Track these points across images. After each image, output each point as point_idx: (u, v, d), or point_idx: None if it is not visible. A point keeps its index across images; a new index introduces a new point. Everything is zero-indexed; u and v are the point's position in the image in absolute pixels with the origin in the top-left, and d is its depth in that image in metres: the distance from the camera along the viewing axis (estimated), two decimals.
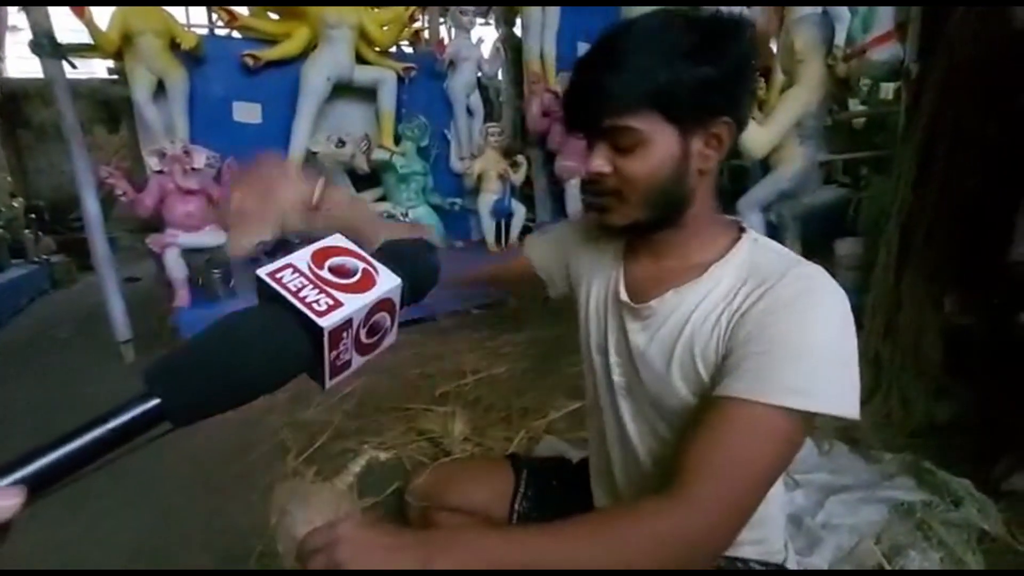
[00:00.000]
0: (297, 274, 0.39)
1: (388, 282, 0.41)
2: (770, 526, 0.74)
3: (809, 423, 0.56)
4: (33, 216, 5.68)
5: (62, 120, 2.62)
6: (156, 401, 0.32)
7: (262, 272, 0.38)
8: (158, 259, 2.87)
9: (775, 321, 0.58)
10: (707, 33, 0.60)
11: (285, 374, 0.37)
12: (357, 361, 0.41)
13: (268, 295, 0.38)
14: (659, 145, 0.62)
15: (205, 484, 1.64)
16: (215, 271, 2.87)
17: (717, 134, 0.63)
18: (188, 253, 2.81)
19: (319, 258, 0.40)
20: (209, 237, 2.86)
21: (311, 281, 0.38)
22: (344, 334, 0.38)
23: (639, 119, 0.61)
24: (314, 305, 0.36)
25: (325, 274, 0.39)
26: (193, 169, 2.78)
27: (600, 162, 0.65)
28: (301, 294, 0.37)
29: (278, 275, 0.38)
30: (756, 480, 0.55)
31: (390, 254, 0.44)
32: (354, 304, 0.38)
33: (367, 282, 0.40)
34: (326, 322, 0.36)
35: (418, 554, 0.46)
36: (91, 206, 2.69)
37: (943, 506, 1.39)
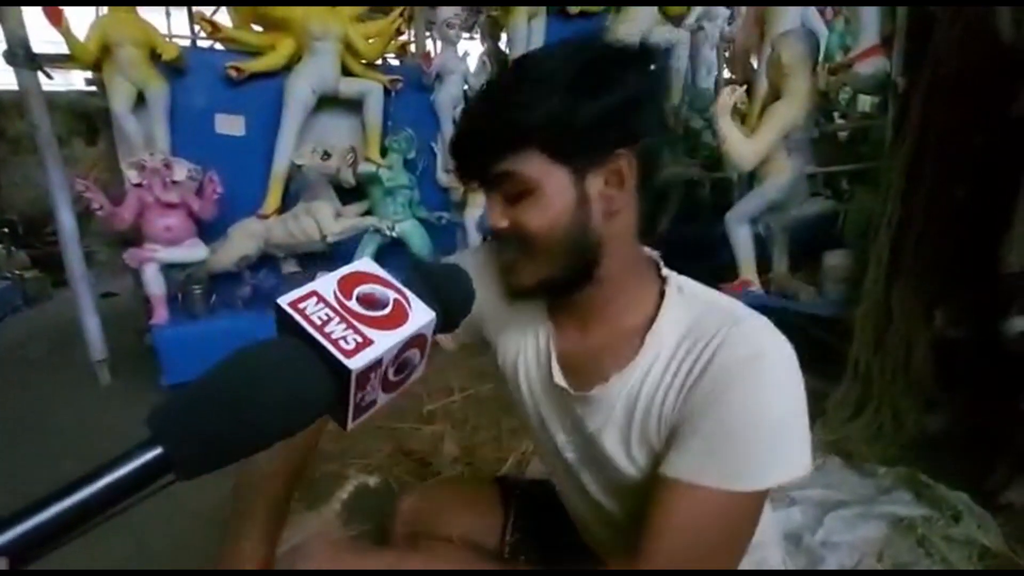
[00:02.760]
0: (322, 304, 0.35)
1: (422, 317, 0.37)
2: (766, 547, 0.72)
3: (763, 493, 0.55)
4: (6, 231, 5.55)
5: (37, 132, 2.56)
6: (159, 451, 0.28)
7: (283, 301, 0.34)
8: (136, 274, 2.78)
9: (721, 393, 0.54)
10: (591, 64, 0.55)
11: (305, 418, 0.33)
12: (382, 399, 0.37)
13: (287, 326, 0.34)
14: (550, 190, 0.56)
15: (181, 512, 1.56)
16: (195, 287, 2.79)
17: (616, 169, 0.56)
18: (167, 268, 2.74)
19: (346, 285, 0.36)
20: (189, 252, 2.78)
21: (338, 313, 0.34)
22: (372, 374, 0.34)
23: (523, 162, 0.55)
24: (341, 343, 0.33)
25: (353, 305, 0.35)
26: (173, 182, 2.71)
27: (495, 215, 0.59)
28: (327, 329, 0.33)
29: (301, 305, 0.34)
30: (715, 558, 0.54)
31: (422, 280, 0.40)
32: (385, 343, 0.34)
33: (399, 316, 0.36)
34: (355, 364, 0.32)
35: (386, 555, 0.45)
36: (66, 220, 2.62)
37: (943, 521, 1.38)
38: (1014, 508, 1.42)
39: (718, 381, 0.54)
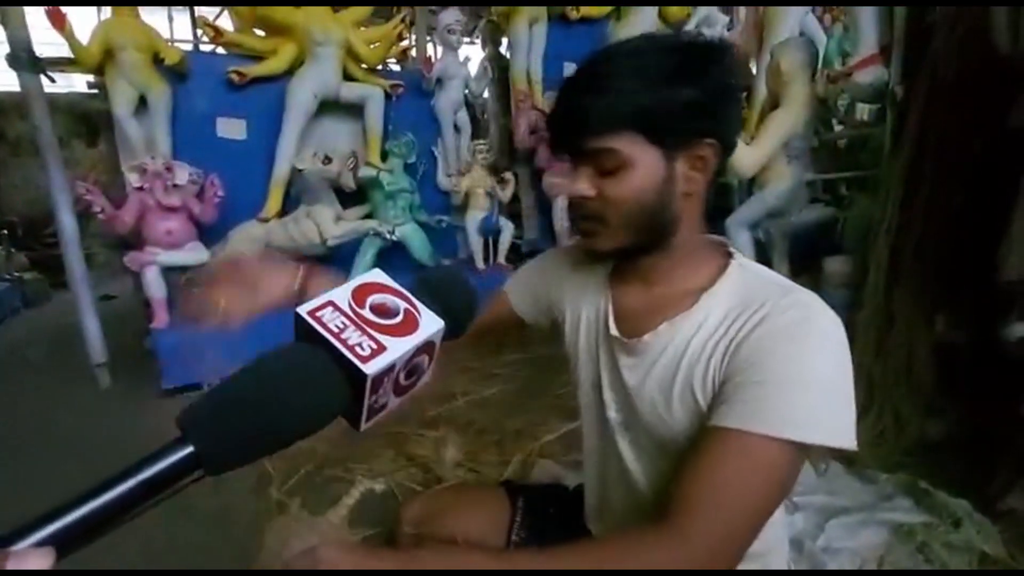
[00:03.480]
0: (338, 313, 0.37)
1: (432, 325, 0.40)
2: (774, 551, 0.72)
3: (805, 453, 0.56)
4: (6, 232, 5.54)
5: (38, 134, 2.56)
6: (190, 449, 0.31)
7: (302, 310, 0.37)
8: (136, 277, 2.78)
9: (772, 350, 0.57)
10: (688, 56, 0.61)
11: (323, 418, 0.35)
12: (393, 403, 0.40)
13: (306, 333, 0.36)
14: (642, 167, 0.62)
15: (185, 517, 1.56)
16: (195, 290, 2.79)
17: (702, 156, 0.63)
18: (168, 271, 2.74)
19: (360, 295, 0.39)
20: (190, 255, 2.78)
21: (353, 321, 0.37)
22: (385, 379, 0.37)
23: (622, 141, 0.61)
24: (357, 349, 0.35)
25: (367, 314, 0.38)
26: (175, 185, 2.72)
27: (584, 185, 0.64)
28: (343, 336, 0.36)
29: (318, 313, 0.37)
30: (751, 513, 0.54)
31: (427, 289, 0.42)
32: (398, 349, 0.37)
33: (410, 324, 0.39)
34: (370, 368, 0.35)
35: (400, 555, 0.46)
36: (67, 222, 2.62)
37: (943, 528, 1.38)
38: (1015, 514, 1.42)
39: (767, 339, 0.57)
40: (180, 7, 5.08)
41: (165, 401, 2.48)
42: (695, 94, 0.59)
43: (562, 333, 0.81)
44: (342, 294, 0.39)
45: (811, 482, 1.59)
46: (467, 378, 2.39)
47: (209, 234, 2.94)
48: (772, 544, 0.70)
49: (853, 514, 1.45)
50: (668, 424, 0.65)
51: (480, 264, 3.75)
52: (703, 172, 0.64)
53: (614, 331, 0.71)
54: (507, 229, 3.77)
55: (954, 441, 1.71)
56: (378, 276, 0.42)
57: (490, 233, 3.74)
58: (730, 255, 0.68)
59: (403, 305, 0.40)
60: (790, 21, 3.29)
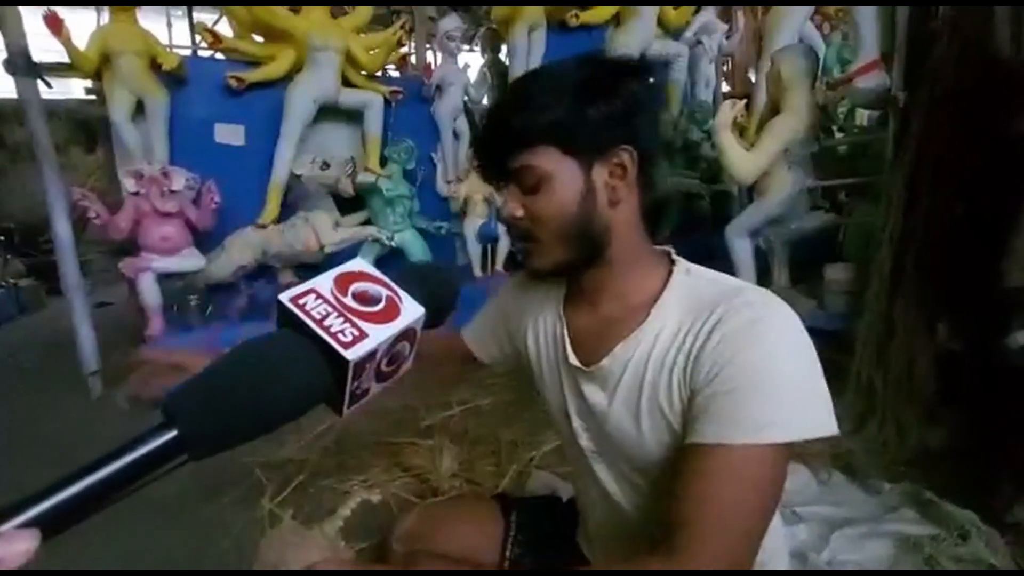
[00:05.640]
0: (320, 300, 0.38)
1: (413, 312, 0.40)
2: (774, 557, 0.72)
3: (789, 449, 0.56)
4: (3, 239, 5.52)
5: (34, 140, 2.54)
6: (174, 433, 0.31)
7: (284, 297, 0.37)
8: (131, 284, 2.76)
9: (732, 355, 0.56)
10: (600, 70, 0.64)
11: (306, 404, 0.36)
12: (375, 389, 0.41)
13: (288, 321, 0.37)
14: (562, 180, 0.63)
15: (175, 528, 1.52)
16: (191, 297, 2.77)
17: (620, 163, 0.64)
18: (163, 278, 2.71)
19: (342, 283, 0.40)
20: (186, 261, 2.76)
21: (335, 308, 0.37)
22: (367, 365, 0.37)
23: (538, 157, 0.63)
24: (339, 336, 0.35)
25: (349, 301, 0.38)
26: (171, 191, 2.70)
27: (512, 206, 0.66)
28: (326, 323, 0.36)
29: (301, 301, 0.37)
30: (751, 524, 0.54)
31: (411, 278, 0.43)
32: (380, 335, 0.37)
33: (391, 311, 0.39)
34: (352, 354, 0.35)
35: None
36: (62, 229, 2.60)
37: (950, 540, 1.35)
38: (1021, 528, 1.39)
39: (725, 345, 0.57)
40: (178, 8, 5.08)
41: (158, 411, 2.44)
42: (604, 104, 0.62)
43: (526, 362, 0.82)
44: (325, 282, 0.39)
45: (813, 492, 1.56)
46: (462, 387, 2.35)
47: (206, 241, 2.92)
48: (771, 551, 0.69)
49: (857, 525, 1.42)
50: (640, 444, 0.65)
51: (478, 271, 3.74)
52: (623, 179, 0.64)
53: (573, 360, 0.71)
54: (505, 236, 3.76)
55: (956, 450, 1.68)
56: (361, 264, 0.42)
57: (488, 240, 3.73)
58: (672, 262, 0.70)
59: (385, 293, 0.40)
60: (789, 29, 3.29)
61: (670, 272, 0.68)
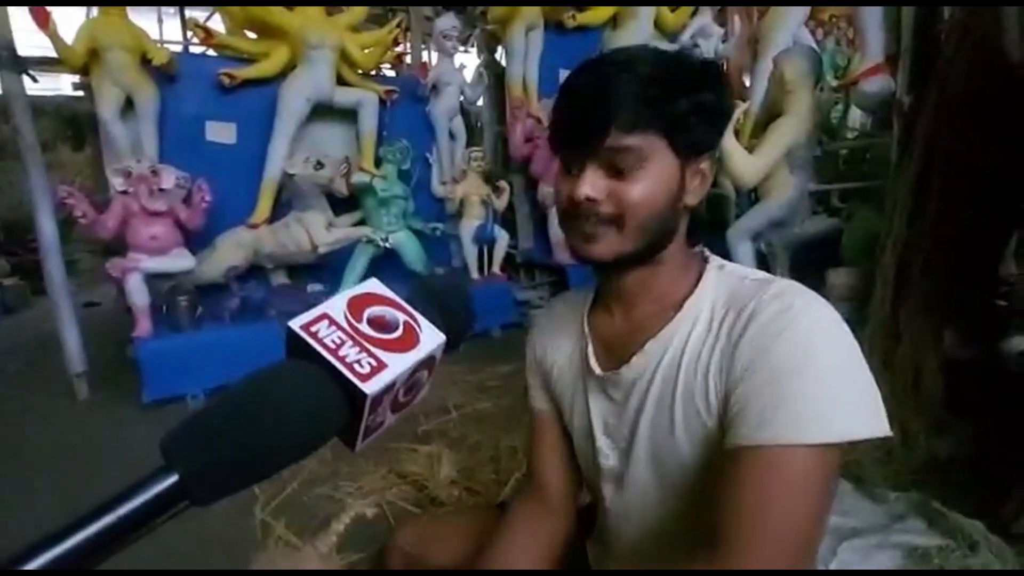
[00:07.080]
0: (334, 327, 0.35)
1: (433, 340, 0.37)
2: None
3: (840, 451, 0.52)
4: None
5: (19, 136, 2.48)
6: (175, 478, 0.28)
7: (295, 324, 0.34)
8: (119, 284, 2.69)
9: (769, 346, 0.54)
10: (706, 68, 0.63)
11: (318, 442, 0.33)
12: (390, 420, 0.38)
13: (300, 350, 0.34)
14: (660, 171, 0.61)
15: (161, 543, 1.47)
16: (181, 298, 2.70)
17: (703, 171, 0.64)
18: (152, 279, 2.64)
19: (356, 307, 0.36)
20: (175, 261, 2.70)
21: (350, 336, 0.34)
22: (385, 397, 0.34)
23: (647, 141, 0.60)
24: (356, 367, 0.33)
25: (364, 328, 0.35)
26: (160, 190, 2.63)
27: (594, 184, 0.62)
28: (341, 352, 0.33)
29: (313, 328, 0.34)
30: (807, 529, 0.51)
31: (426, 299, 0.40)
32: (399, 366, 0.34)
33: (410, 339, 0.36)
34: (371, 387, 0.32)
35: None
36: (47, 228, 2.53)
37: (959, 551, 1.33)
38: None
39: (759, 339, 0.55)
40: (169, 7, 5.01)
41: (146, 414, 2.38)
42: (714, 108, 0.61)
43: (555, 390, 0.79)
44: (338, 306, 0.36)
45: None
46: (459, 391, 2.31)
47: (196, 240, 2.86)
48: None
49: (866, 536, 1.39)
50: (673, 449, 0.62)
51: (474, 273, 3.70)
52: (703, 186, 0.65)
53: (597, 369, 0.70)
54: (502, 238, 3.73)
55: (963, 460, 1.67)
56: (375, 286, 0.39)
57: (485, 242, 3.69)
58: (706, 260, 0.69)
59: (402, 318, 0.37)
60: (785, 34, 3.28)
61: (703, 269, 0.67)
